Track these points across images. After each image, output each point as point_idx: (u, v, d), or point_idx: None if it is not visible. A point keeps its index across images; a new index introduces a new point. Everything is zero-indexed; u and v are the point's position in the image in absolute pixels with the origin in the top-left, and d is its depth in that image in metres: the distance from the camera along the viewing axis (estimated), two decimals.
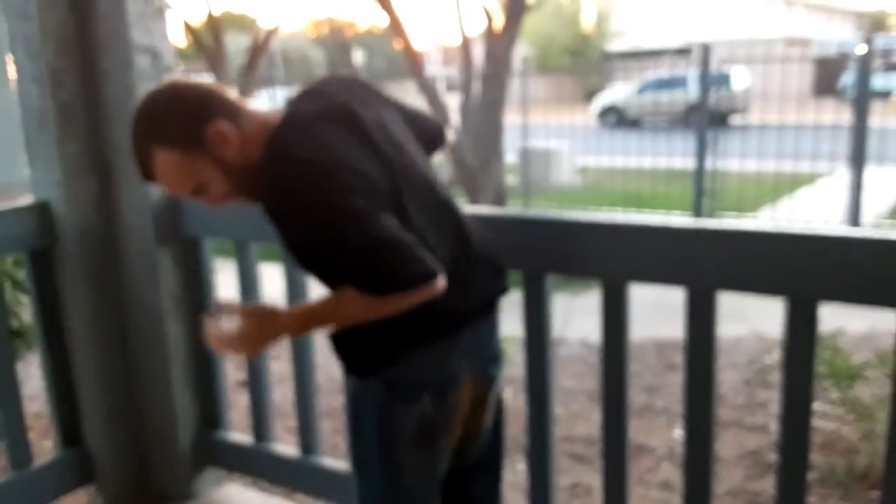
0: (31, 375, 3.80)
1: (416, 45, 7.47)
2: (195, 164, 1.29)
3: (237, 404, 3.52)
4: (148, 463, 2.46)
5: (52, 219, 2.23)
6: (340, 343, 1.43)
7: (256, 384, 2.33)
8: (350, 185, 1.25)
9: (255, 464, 2.40)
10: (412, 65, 7.25)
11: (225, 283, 2.38)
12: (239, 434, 2.52)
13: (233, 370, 3.93)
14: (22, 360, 3.29)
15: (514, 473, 3.05)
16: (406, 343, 1.42)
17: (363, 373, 1.46)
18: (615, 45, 29.81)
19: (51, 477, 2.33)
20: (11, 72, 2.27)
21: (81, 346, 2.30)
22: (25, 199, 2.28)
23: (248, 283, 2.26)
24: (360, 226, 1.22)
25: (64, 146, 2.18)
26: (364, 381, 1.47)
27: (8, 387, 2.20)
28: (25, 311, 2.96)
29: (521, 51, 8.72)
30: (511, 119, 8.32)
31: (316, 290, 1.53)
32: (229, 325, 1.31)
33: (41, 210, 2.23)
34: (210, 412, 2.44)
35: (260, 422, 2.35)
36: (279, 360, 4.07)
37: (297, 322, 1.39)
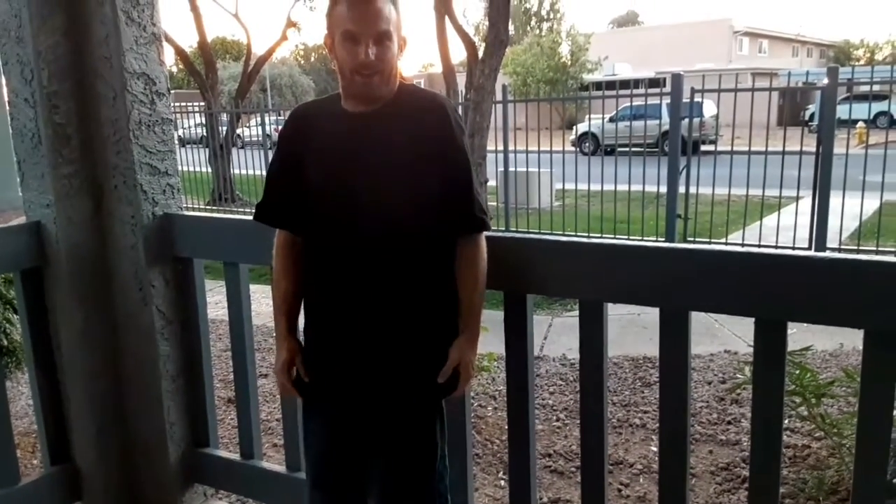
0: (20, 393, 3.78)
1: (402, 74, 7.57)
2: (399, 36, 1.56)
3: (224, 421, 3.54)
4: (136, 479, 2.46)
5: (44, 239, 2.26)
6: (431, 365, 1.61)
7: (244, 401, 2.35)
8: None
9: (242, 480, 2.42)
10: None
11: (215, 302, 2.40)
12: (226, 451, 2.55)
13: (220, 388, 3.93)
14: (10, 379, 3.27)
15: (496, 488, 3.09)
16: None
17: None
18: (591, 76, 30.31)
19: (39, 494, 2.34)
20: (5, 94, 2.29)
21: (71, 365, 2.31)
22: (18, 220, 2.30)
23: (238, 302, 2.29)
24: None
25: (57, 168, 2.20)
26: (433, 401, 1.66)
27: None
28: (15, 330, 2.95)
29: (501, 79, 8.84)
30: (492, 145, 8.44)
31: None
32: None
33: (33, 230, 2.26)
34: (198, 429, 2.46)
35: (247, 439, 2.37)
36: (266, 378, 4.08)
37: (474, 332, 1.65)
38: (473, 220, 1.59)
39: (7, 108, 2.29)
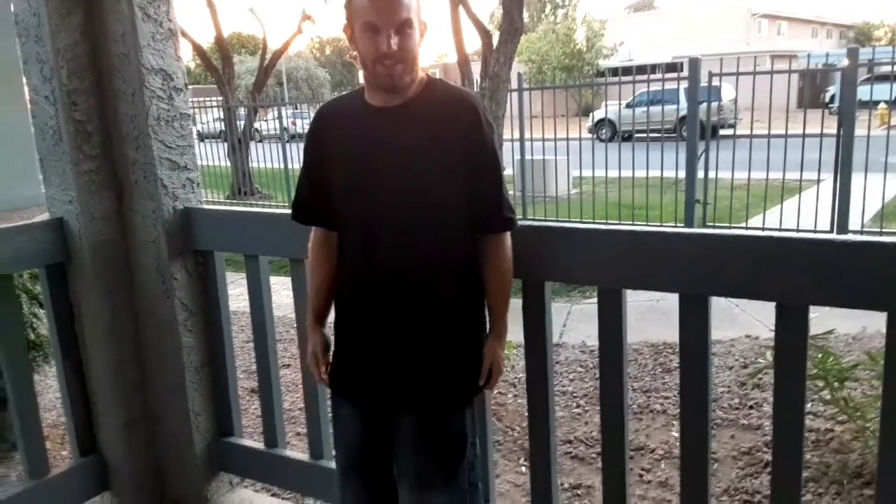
0: (48, 387, 3.85)
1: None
2: (419, 21, 1.53)
3: (248, 411, 3.59)
4: (162, 470, 2.51)
5: (67, 234, 2.29)
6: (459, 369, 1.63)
7: (267, 391, 2.38)
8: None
9: (266, 469, 2.45)
10: None
11: (236, 294, 2.43)
12: (250, 440, 2.58)
13: (243, 378, 3.98)
14: (38, 372, 3.33)
15: (517, 475, 3.11)
16: None
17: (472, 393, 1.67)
18: (607, 62, 30.06)
19: (68, 485, 2.38)
20: (26, 93, 2.32)
21: (97, 358, 2.35)
22: (41, 216, 2.33)
23: (259, 294, 2.32)
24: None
25: (78, 164, 2.24)
26: (465, 406, 1.66)
27: (26, 398, 2.26)
28: (42, 325, 3.00)
29: (517, 67, 8.78)
30: (508, 133, 8.41)
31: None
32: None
33: (56, 226, 2.29)
34: (222, 419, 2.50)
35: (271, 428, 2.40)
36: (288, 368, 4.12)
37: (503, 329, 1.68)
38: (502, 220, 1.60)
39: (28, 106, 2.32)
